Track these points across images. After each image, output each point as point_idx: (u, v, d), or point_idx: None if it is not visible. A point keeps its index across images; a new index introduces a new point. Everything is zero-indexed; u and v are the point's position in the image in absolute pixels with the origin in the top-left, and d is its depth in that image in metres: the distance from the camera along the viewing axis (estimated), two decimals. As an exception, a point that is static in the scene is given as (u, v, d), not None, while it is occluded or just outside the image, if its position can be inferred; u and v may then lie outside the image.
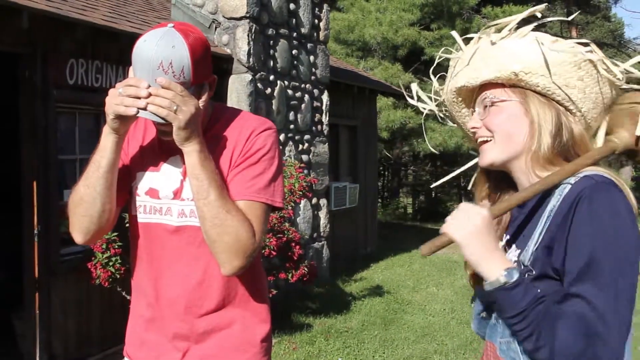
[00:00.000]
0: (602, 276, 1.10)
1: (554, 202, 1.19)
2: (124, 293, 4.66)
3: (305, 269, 5.67)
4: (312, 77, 7.56)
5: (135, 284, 1.73)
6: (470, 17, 17.11)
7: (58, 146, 4.82)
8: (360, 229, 10.63)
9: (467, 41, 1.33)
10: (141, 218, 1.65)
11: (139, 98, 1.43)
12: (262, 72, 6.43)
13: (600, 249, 1.10)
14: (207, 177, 1.49)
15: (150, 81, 1.44)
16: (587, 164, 1.21)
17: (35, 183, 4.59)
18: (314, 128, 7.66)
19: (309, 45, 7.45)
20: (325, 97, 7.87)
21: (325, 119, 7.90)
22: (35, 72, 4.55)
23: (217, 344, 1.66)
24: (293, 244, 5.57)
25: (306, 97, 7.40)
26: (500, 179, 1.35)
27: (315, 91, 7.65)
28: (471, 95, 1.34)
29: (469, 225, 1.18)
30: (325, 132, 7.94)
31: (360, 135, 10.64)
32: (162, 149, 1.65)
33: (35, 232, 4.59)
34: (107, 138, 1.54)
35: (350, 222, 10.02)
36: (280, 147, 1.60)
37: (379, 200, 17.57)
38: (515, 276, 1.13)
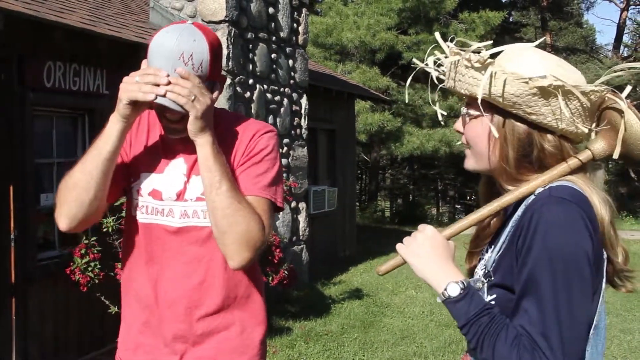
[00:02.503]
0: (542, 289, 1.11)
1: (519, 211, 1.22)
2: (102, 298, 4.62)
3: (285, 272, 5.68)
4: (291, 81, 7.58)
5: (128, 287, 1.72)
6: (447, 22, 17.29)
7: (35, 150, 4.76)
8: (338, 233, 10.66)
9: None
10: (142, 219, 1.65)
11: (158, 86, 1.45)
12: (241, 76, 6.43)
13: (541, 263, 1.11)
14: (219, 168, 1.51)
15: (170, 71, 1.47)
16: (560, 173, 1.21)
17: (11, 187, 4.52)
18: (293, 132, 7.67)
19: (287, 49, 7.46)
20: (304, 101, 7.88)
21: (304, 122, 7.91)
22: (11, 74, 4.49)
23: (215, 346, 1.66)
24: (273, 248, 5.56)
25: (285, 100, 7.41)
26: (494, 186, 1.36)
27: (294, 95, 7.66)
28: None
29: (415, 245, 1.26)
30: (304, 135, 7.95)
31: (338, 139, 10.68)
32: (165, 151, 1.66)
33: (12, 237, 4.53)
34: (115, 125, 1.54)
35: (329, 225, 10.04)
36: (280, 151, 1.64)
37: (357, 203, 17.64)
38: (458, 290, 1.17)
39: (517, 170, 1.24)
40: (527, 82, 1.17)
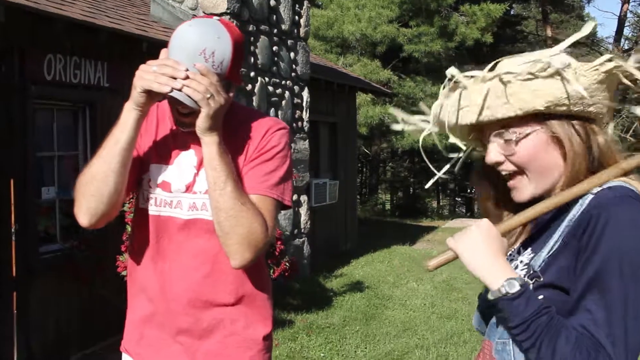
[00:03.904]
0: (611, 290, 1.07)
1: (575, 211, 1.17)
2: (103, 292, 4.62)
3: (287, 265, 5.67)
4: (293, 74, 7.55)
5: (134, 278, 1.71)
6: (448, 14, 17.23)
7: (36, 143, 4.74)
8: (340, 225, 10.65)
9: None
10: (152, 210, 1.65)
11: (175, 79, 1.44)
12: (242, 69, 6.40)
13: (611, 262, 1.07)
14: (225, 169, 1.50)
15: (189, 65, 1.46)
16: (617, 174, 1.17)
17: (12, 180, 4.51)
18: (294, 125, 7.65)
19: (289, 41, 7.43)
20: (305, 94, 7.86)
21: (305, 115, 7.89)
22: (12, 67, 4.47)
23: (221, 340, 1.66)
24: (275, 240, 5.56)
25: (287, 93, 7.39)
26: (503, 183, 1.30)
27: (296, 88, 7.64)
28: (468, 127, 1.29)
29: (469, 238, 1.20)
30: (306, 128, 7.93)
31: (340, 132, 10.65)
32: (175, 143, 1.65)
33: (13, 230, 4.51)
34: (130, 114, 1.52)
35: (330, 218, 10.04)
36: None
37: (358, 196, 17.64)
38: (517, 287, 1.12)
39: (586, 174, 1.18)
40: (596, 69, 1.13)
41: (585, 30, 1.17)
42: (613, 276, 1.07)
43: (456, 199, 26.59)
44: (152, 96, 1.50)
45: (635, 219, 1.10)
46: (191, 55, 1.46)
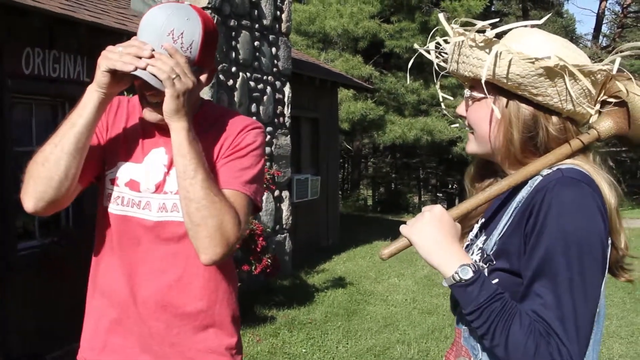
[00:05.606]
0: (558, 274, 1.07)
1: (524, 193, 1.18)
2: (83, 288, 4.57)
3: (269, 261, 5.66)
4: (274, 69, 7.52)
5: (97, 282, 1.62)
6: (429, 11, 17.29)
7: (14, 138, 4.67)
8: (322, 221, 10.66)
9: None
10: (117, 210, 1.56)
11: (140, 58, 1.38)
12: (224, 64, 6.36)
13: (556, 245, 1.08)
14: (195, 156, 1.42)
15: (156, 46, 1.40)
16: (565, 154, 1.19)
17: (-10, 176, 4.44)
18: (276, 120, 7.63)
19: (271, 36, 7.40)
20: (287, 89, 7.84)
21: (287, 111, 7.88)
22: (-11, 61, 4.40)
23: (194, 347, 1.59)
24: (256, 236, 5.55)
25: (268, 89, 7.36)
26: (487, 167, 1.35)
27: (277, 83, 7.62)
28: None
29: (421, 225, 1.19)
30: (287, 124, 7.92)
31: (321, 128, 10.65)
32: (145, 140, 1.58)
33: (-9, 226, 4.45)
34: (91, 95, 1.45)
35: (312, 214, 10.04)
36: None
37: (340, 192, 17.66)
38: (470, 273, 1.11)
39: (523, 154, 1.21)
40: (532, 62, 1.14)
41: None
42: (559, 259, 1.08)
43: (437, 194, 26.74)
44: (117, 79, 1.44)
45: (577, 201, 1.10)
46: (159, 35, 1.41)
